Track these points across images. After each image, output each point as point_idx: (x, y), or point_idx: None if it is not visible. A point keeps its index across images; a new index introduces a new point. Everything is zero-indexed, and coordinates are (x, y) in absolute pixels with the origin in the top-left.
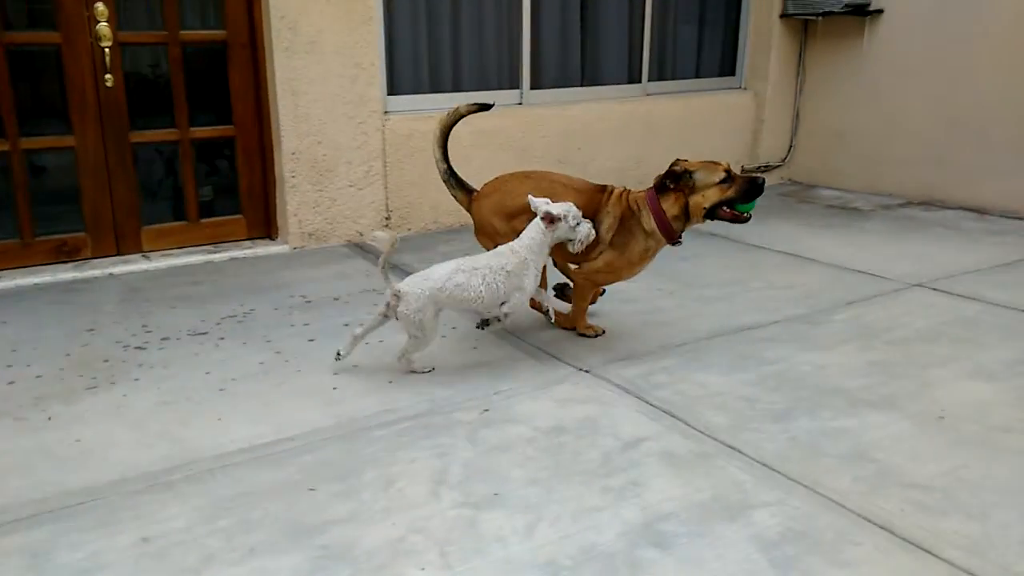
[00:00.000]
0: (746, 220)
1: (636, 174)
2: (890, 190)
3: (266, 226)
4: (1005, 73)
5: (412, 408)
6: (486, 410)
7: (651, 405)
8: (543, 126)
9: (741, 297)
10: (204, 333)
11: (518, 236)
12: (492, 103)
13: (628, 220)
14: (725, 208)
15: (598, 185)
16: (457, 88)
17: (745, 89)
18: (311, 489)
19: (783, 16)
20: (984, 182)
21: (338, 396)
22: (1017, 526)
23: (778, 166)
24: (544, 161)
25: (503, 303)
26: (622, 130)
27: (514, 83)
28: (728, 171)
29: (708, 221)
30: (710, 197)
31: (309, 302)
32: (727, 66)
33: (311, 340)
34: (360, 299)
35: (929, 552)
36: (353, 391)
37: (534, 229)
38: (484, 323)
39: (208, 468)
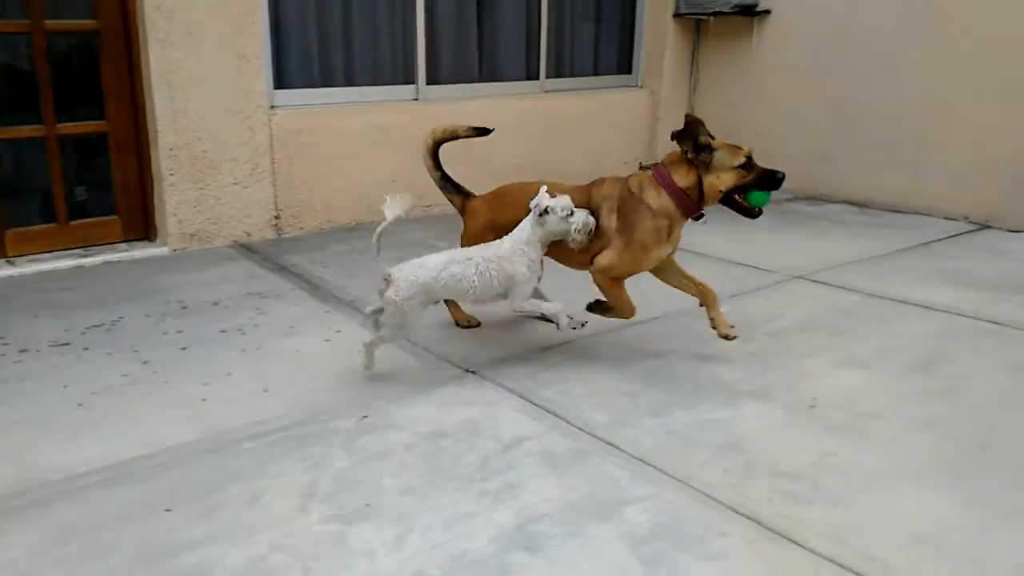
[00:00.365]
0: (757, 215)
1: (536, 171)
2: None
3: (144, 227)
4: (882, 73)
5: (286, 418)
6: (365, 416)
7: (535, 405)
8: (440, 122)
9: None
10: (66, 344)
11: None
12: (493, 128)
13: (628, 202)
14: (737, 197)
15: (592, 181)
16: (349, 82)
17: (642, 87)
18: (167, 510)
19: (676, 15)
20: (865, 177)
21: (207, 408)
22: (878, 511)
23: None
24: (442, 159)
25: (505, 297)
26: (521, 127)
27: (409, 78)
28: (750, 157)
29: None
30: (726, 180)
31: (185, 308)
32: (624, 64)
33: (183, 348)
34: (242, 303)
35: (794, 541)
36: (224, 401)
37: (525, 221)
38: (549, 320)
39: (57, 491)
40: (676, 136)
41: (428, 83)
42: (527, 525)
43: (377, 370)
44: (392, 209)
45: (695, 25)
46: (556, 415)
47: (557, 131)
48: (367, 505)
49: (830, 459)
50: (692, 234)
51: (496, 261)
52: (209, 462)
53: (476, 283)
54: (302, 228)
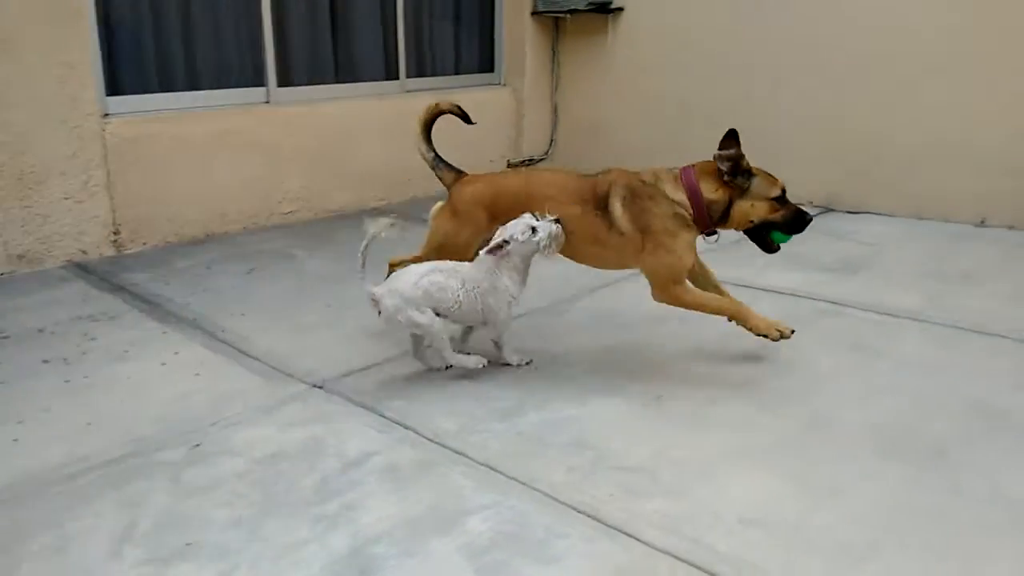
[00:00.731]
0: (776, 251)
1: (400, 172)
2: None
3: None
4: (724, 68)
5: (107, 452)
6: (197, 445)
7: (384, 417)
8: (294, 126)
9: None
10: None
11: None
12: (475, 122)
13: (641, 191)
14: (764, 231)
15: (592, 176)
16: (193, 86)
17: (504, 85)
18: None
19: (534, 14)
20: None
21: (17, 449)
22: (712, 499)
23: (541, 159)
24: (297, 163)
25: (484, 323)
26: (383, 128)
27: (259, 80)
28: (784, 191)
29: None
30: (759, 211)
31: (6, 337)
32: (486, 63)
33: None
34: (70, 329)
35: (630, 535)
36: (37, 440)
37: (484, 262)
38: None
39: None
40: (720, 154)
41: (280, 85)
42: (363, 548)
43: (218, 390)
44: (374, 227)
45: (553, 23)
46: (405, 426)
47: None
48: (188, 544)
49: (671, 450)
50: None
51: (484, 288)
52: (11, 512)
53: (461, 299)
54: (145, 243)
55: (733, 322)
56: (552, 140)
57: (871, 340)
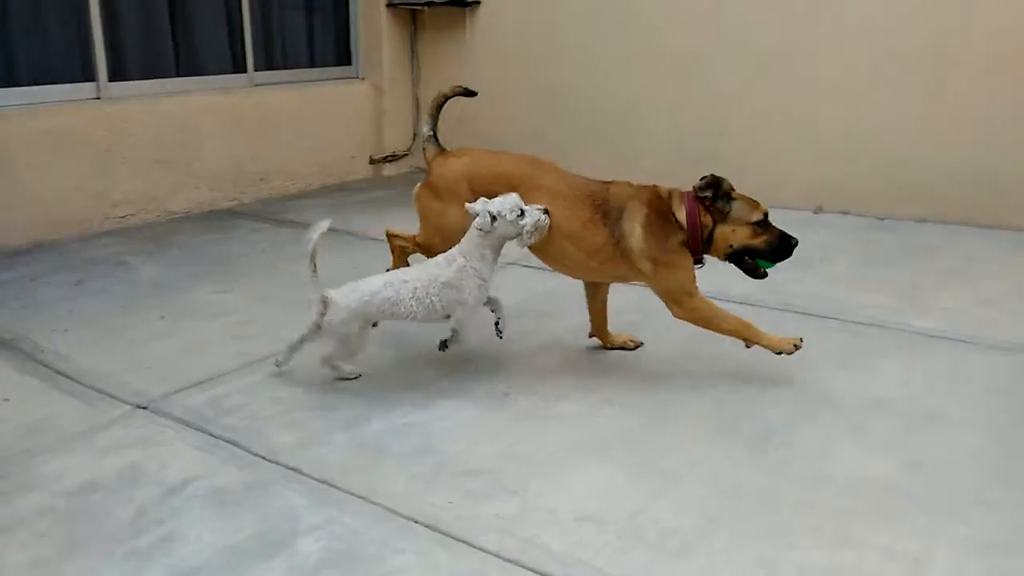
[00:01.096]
0: (763, 276)
1: (253, 170)
2: None
3: None
4: (582, 61)
5: None
6: None
7: (213, 436)
8: (130, 123)
9: None
10: None
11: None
12: (476, 92)
13: (656, 206)
14: (747, 257)
15: (601, 183)
16: (12, 83)
17: (363, 79)
18: None
19: (390, 5)
20: (574, 155)
21: None
22: (551, 496)
23: (405, 155)
24: (133, 163)
25: (448, 316)
26: (231, 124)
27: (88, 74)
28: (766, 216)
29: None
30: (739, 236)
31: None
32: (343, 55)
33: None
34: None
35: (466, 543)
36: None
37: (472, 232)
38: (444, 344)
39: None
40: (701, 182)
41: (112, 79)
42: None
43: (28, 418)
44: (317, 229)
45: (411, 15)
46: (236, 445)
47: (272, 128)
48: None
49: (515, 447)
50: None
51: (438, 287)
52: None
53: (415, 308)
54: None
55: (748, 345)
56: (415, 135)
57: None
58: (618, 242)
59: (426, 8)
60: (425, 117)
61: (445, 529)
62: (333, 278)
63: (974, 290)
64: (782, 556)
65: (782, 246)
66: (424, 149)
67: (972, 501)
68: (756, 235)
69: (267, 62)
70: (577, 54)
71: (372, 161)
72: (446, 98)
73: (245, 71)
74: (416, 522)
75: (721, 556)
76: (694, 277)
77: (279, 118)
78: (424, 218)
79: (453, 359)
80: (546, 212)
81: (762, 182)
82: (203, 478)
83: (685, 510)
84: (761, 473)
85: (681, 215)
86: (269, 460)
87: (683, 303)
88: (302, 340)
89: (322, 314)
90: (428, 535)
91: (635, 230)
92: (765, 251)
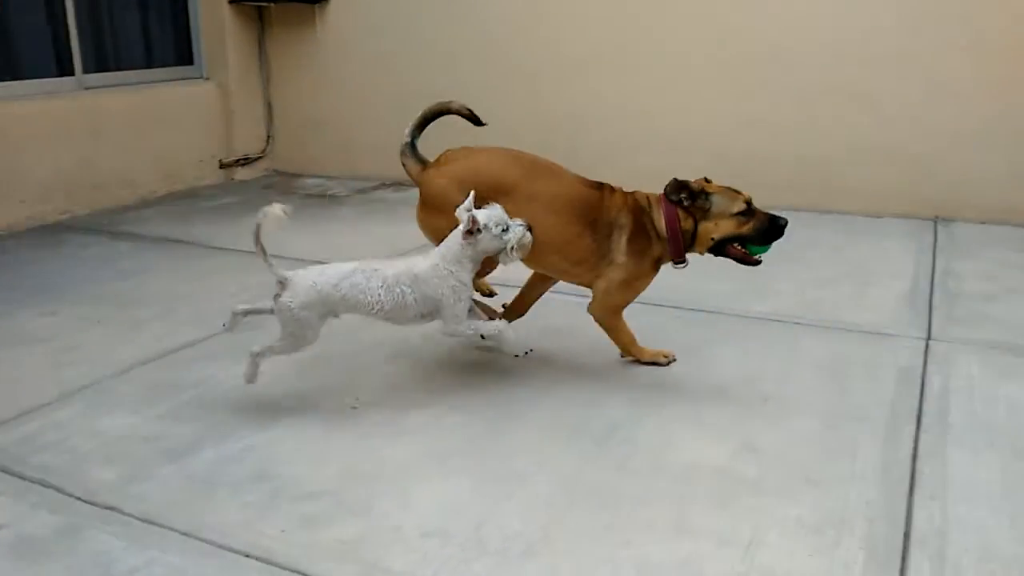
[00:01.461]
0: (756, 263)
1: (86, 180)
2: (366, 174)
3: None
4: (442, 60)
5: None
6: None
7: (23, 479)
8: None
9: (183, 313)
10: None
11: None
12: (485, 123)
13: (640, 219)
14: (736, 245)
15: (593, 181)
16: None
17: (207, 79)
18: None
19: (233, 2)
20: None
21: None
22: (395, 512)
23: (259, 157)
24: None
25: (434, 319)
26: (58, 131)
27: None
28: (749, 203)
29: (713, 256)
30: (723, 228)
31: None
32: (184, 55)
33: None
34: None
35: (301, 573)
36: None
37: (452, 238)
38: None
39: None
40: (667, 193)
41: None
42: None
43: None
44: (267, 217)
45: (257, 13)
46: (47, 485)
47: (107, 133)
48: None
49: (360, 465)
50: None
51: (411, 280)
52: None
53: (383, 299)
54: None
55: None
56: (269, 137)
57: (560, 323)
58: (603, 256)
59: (272, 4)
60: (411, 125)
61: (280, 560)
62: (162, 291)
63: (807, 273)
64: (622, 553)
65: (771, 229)
66: (404, 165)
67: (801, 480)
68: (741, 224)
69: (98, 64)
70: (433, 52)
71: (223, 165)
72: (443, 112)
73: (72, 74)
74: (248, 555)
75: (564, 558)
76: (635, 297)
77: (114, 123)
78: (437, 239)
79: (296, 375)
80: (530, 229)
81: (616, 176)
82: (8, 527)
83: (531, 513)
84: (605, 470)
85: (662, 225)
86: (85, 501)
87: (607, 309)
88: (250, 312)
89: (278, 296)
90: (261, 568)
91: (621, 246)
92: (755, 237)
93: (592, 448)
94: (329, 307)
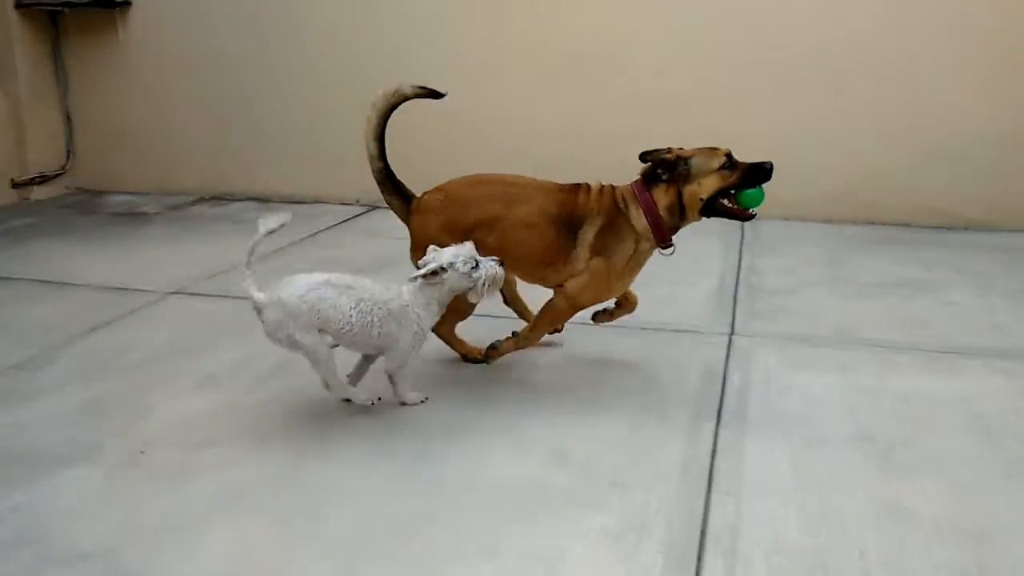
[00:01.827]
0: (751, 217)
1: None
2: (181, 189)
3: None
4: (256, 66)
5: None
6: None
7: None
8: None
9: None
10: None
11: None
12: (444, 92)
13: (615, 220)
14: (726, 201)
15: (570, 185)
16: None
17: None
18: None
19: (20, 6)
20: (263, 171)
21: None
22: (179, 565)
23: (59, 174)
24: None
25: (380, 351)
26: None
27: None
28: (729, 155)
29: (705, 218)
30: (708, 186)
31: None
32: None
33: None
34: None
35: None
36: None
37: (418, 283)
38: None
39: None
40: (644, 170)
41: None
42: None
43: None
44: (267, 224)
45: (50, 18)
46: None
47: None
48: None
49: (143, 515)
50: (72, 259)
51: (383, 313)
52: None
53: (353, 320)
54: None
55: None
56: (69, 151)
57: None
58: (572, 260)
59: (66, 9)
60: (370, 138)
61: None
62: None
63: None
64: None
65: (758, 171)
66: (387, 200)
67: (607, 486)
68: (726, 178)
69: None
70: (244, 57)
71: (15, 184)
72: (397, 104)
73: None
74: None
75: None
76: (608, 297)
77: None
78: None
79: (79, 416)
80: (501, 264)
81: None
82: None
83: (335, 550)
84: (417, 495)
85: (640, 221)
86: None
87: (574, 299)
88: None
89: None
90: None
91: (587, 245)
92: (743, 183)
93: (406, 472)
94: (304, 322)
